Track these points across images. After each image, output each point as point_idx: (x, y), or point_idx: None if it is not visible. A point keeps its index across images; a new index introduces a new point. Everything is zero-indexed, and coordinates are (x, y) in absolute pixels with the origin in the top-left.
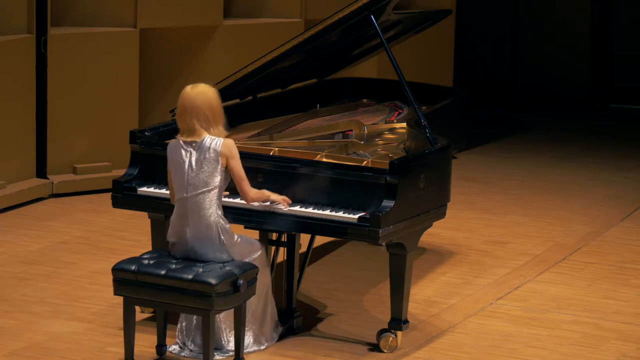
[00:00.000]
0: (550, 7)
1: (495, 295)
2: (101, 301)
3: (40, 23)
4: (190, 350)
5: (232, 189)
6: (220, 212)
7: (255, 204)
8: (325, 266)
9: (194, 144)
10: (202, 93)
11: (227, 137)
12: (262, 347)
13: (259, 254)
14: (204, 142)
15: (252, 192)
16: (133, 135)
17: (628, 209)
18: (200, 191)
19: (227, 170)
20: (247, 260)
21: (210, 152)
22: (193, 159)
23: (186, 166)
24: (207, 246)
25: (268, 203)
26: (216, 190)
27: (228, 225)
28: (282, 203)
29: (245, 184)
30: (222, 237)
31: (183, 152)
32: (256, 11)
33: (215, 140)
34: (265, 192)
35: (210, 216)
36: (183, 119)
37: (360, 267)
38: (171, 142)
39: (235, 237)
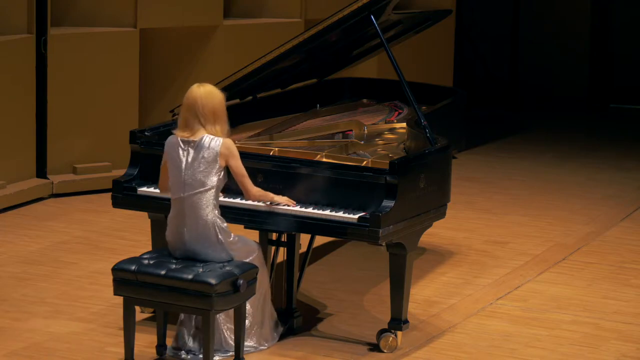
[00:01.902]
0: (550, 7)
1: (495, 295)
2: (101, 301)
3: (40, 23)
4: (189, 351)
5: (229, 188)
6: (217, 212)
7: (257, 203)
8: (325, 266)
9: (192, 143)
10: (209, 93)
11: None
12: (263, 348)
13: (255, 255)
14: (202, 141)
15: (255, 189)
16: (133, 135)
17: (628, 209)
18: (197, 191)
19: (225, 170)
20: (244, 261)
21: (208, 151)
22: (190, 158)
23: (183, 165)
24: (206, 246)
25: (269, 203)
26: (213, 190)
27: (225, 224)
28: (287, 203)
29: (247, 181)
30: (220, 236)
31: (180, 151)
32: (256, 11)
33: (215, 140)
34: (270, 194)
35: (207, 215)
36: (184, 115)
37: (360, 267)
38: (169, 138)
39: (232, 236)
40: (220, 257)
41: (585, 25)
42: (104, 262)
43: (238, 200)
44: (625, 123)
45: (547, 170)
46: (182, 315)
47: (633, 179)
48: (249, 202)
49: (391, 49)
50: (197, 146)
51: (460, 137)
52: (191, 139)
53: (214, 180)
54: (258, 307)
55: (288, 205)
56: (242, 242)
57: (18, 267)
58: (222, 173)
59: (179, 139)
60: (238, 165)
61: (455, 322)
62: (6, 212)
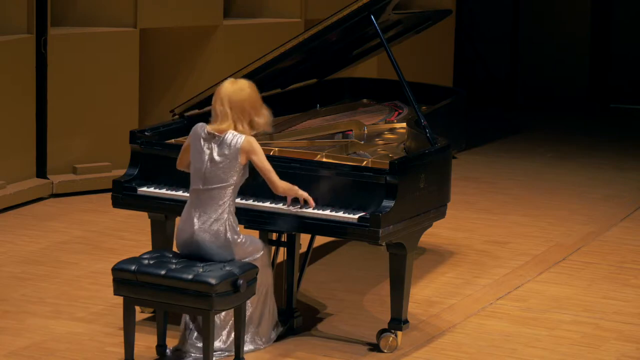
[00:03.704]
0: (550, 7)
1: (495, 295)
2: (101, 301)
3: (40, 23)
4: (187, 352)
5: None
6: (232, 209)
7: (257, 203)
8: (325, 266)
9: (216, 138)
10: (241, 89)
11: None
12: (259, 347)
13: (261, 254)
14: (225, 137)
15: (282, 183)
16: (133, 135)
17: (628, 209)
18: (216, 186)
19: (246, 168)
20: (248, 260)
21: (230, 148)
22: (214, 153)
23: (206, 159)
24: (212, 241)
25: (288, 207)
26: (232, 187)
27: (237, 224)
28: (308, 201)
29: (273, 175)
30: (229, 234)
31: (206, 143)
32: (256, 11)
33: (237, 137)
34: (295, 188)
35: (223, 212)
36: (215, 107)
37: (360, 267)
38: (196, 125)
39: (242, 237)
40: (223, 255)
41: (585, 25)
42: (104, 262)
43: (238, 200)
44: (625, 123)
45: (547, 170)
46: (185, 317)
47: (633, 179)
48: (250, 201)
49: (391, 49)
50: (221, 142)
51: (460, 137)
52: (216, 133)
53: (233, 177)
54: (257, 306)
55: (309, 202)
56: (250, 242)
57: (18, 267)
58: (243, 170)
59: (205, 130)
60: (262, 160)
61: (455, 322)
62: (6, 212)
